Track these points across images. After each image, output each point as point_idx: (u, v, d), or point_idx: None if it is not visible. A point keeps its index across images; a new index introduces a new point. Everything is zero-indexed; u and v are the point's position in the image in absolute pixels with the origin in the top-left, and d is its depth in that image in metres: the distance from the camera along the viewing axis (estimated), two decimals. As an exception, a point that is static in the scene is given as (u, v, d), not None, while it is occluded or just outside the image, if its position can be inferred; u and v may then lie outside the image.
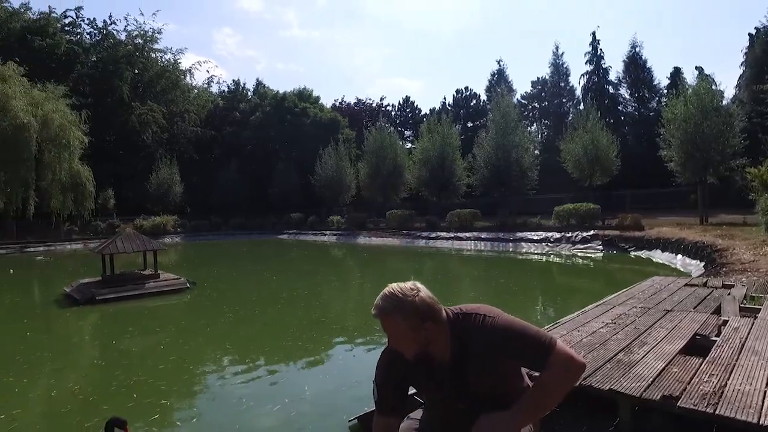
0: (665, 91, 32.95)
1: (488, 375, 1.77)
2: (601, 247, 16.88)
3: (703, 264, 11.34)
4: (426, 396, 2.10)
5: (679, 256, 13.06)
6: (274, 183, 40.59)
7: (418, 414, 2.13)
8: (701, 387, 2.88)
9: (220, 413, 4.41)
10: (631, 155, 28.48)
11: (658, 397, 2.76)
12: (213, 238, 33.60)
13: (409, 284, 1.75)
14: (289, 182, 39.92)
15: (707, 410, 2.57)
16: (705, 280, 7.06)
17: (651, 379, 3.01)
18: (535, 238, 19.53)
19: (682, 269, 11.99)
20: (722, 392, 2.77)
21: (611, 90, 39.27)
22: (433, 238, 23.83)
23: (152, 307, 9.96)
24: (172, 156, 38.30)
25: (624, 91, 39.25)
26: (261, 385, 5.17)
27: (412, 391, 3.39)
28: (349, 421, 3.88)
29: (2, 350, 6.82)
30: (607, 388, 2.93)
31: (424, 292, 1.74)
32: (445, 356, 1.80)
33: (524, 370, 1.96)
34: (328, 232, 31.20)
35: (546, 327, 4.65)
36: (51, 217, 27.62)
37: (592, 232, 17.96)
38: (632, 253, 15.43)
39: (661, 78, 37.96)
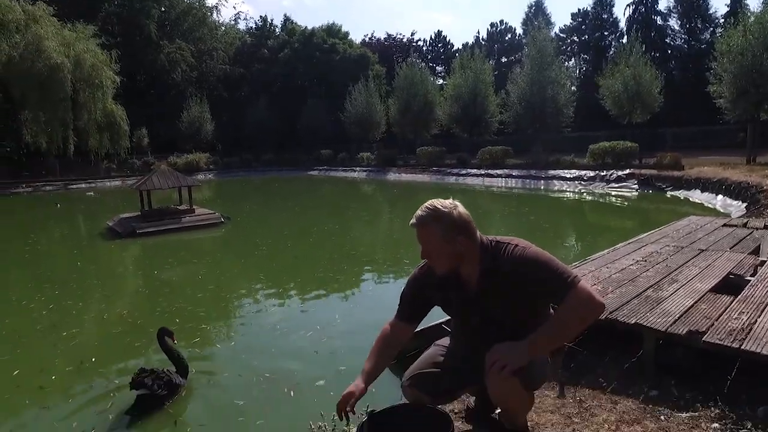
0: (722, 20, 30.36)
1: (513, 305, 1.80)
2: (636, 186, 16.39)
3: (745, 205, 10.91)
4: (453, 322, 2.16)
5: (720, 197, 12.59)
6: (303, 120, 40.39)
7: (445, 341, 2.21)
8: (729, 324, 2.85)
9: (256, 337, 4.69)
10: (676, 91, 26.90)
11: (684, 332, 2.76)
12: (244, 174, 34.17)
13: (448, 200, 1.81)
14: (318, 119, 39.65)
15: (732, 345, 2.57)
16: (745, 220, 6.82)
17: (678, 315, 3.00)
18: (568, 176, 19.08)
19: (721, 210, 11.59)
20: (751, 329, 2.74)
21: (659, 21, 36.45)
22: (463, 175, 23.63)
23: (189, 240, 10.40)
24: (202, 94, 38.39)
25: (674, 23, 36.43)
26: (294, 312, 5.43)
27: (441, 320, 3.53)
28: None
29: (59, 277, 7.35)
30: (633, 322, 2.94)
31: (462, 208, 1.80)
32: (473, 279, 1.85)
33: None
34: (358, 168, 31.27)
35: (575, 263, 4.65)
36: (90, 155, 28.51)
37: (627, 171, 17.39)
38: (669, 193, 14.95)
39: (719, 6, 34.90)
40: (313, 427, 2.13)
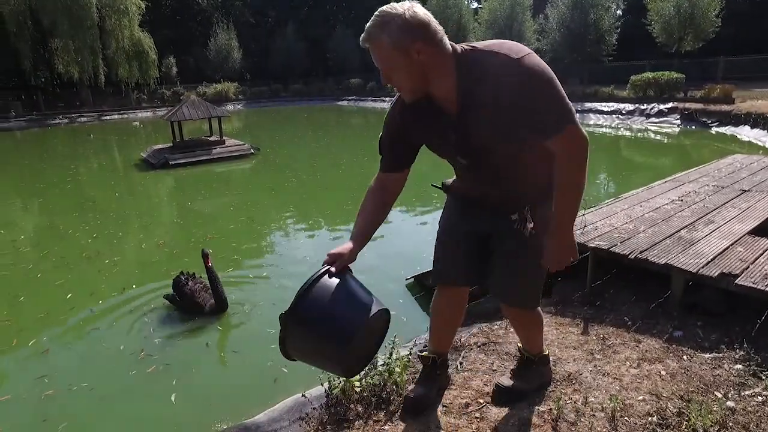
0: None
1: (499, 133, 1.49)
2: (678, 121, 15.53)
3: (797, 142, 10.28)
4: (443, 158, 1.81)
5: (771, 133, 11.85)
6: (332, 47, 39.18)
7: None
8: (766, 267, 2.79)
9: (287, 267, 4.86)
10: (738, 13, 24.36)
11: (716, 274, 2.71)
12: (273, 104, 33.89)
13: (405, 1, 1.41)
14: (347, 46, 38.38)
15: (766, 289, 2.52)
16: (795, 159, 6.45)
17: (711, 257, 2.93)
18: (605, 109, 18.22)
19: (770, 148, 10.97)
20: (788, 273, 2.68)
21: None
22: (495, 108, 22.85)
23: (220, 171, 10.58)
24: (228, 20, 37.46)
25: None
26: (323, 243, 5.57)
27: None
28: (407, 279, 4.17)
29: (99, 207, 7.67)
30: (663, 262, 2.90)
31: (421, 8, 1.39)
32: (451, 99, 1.49)
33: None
34: (387, 99, 30.50)
35: (607, 201, 4.54)
36: (120, 85, 28.65)
37: (670, 105, 16.41)
38: (714, 130, 14.14)
39: None
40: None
